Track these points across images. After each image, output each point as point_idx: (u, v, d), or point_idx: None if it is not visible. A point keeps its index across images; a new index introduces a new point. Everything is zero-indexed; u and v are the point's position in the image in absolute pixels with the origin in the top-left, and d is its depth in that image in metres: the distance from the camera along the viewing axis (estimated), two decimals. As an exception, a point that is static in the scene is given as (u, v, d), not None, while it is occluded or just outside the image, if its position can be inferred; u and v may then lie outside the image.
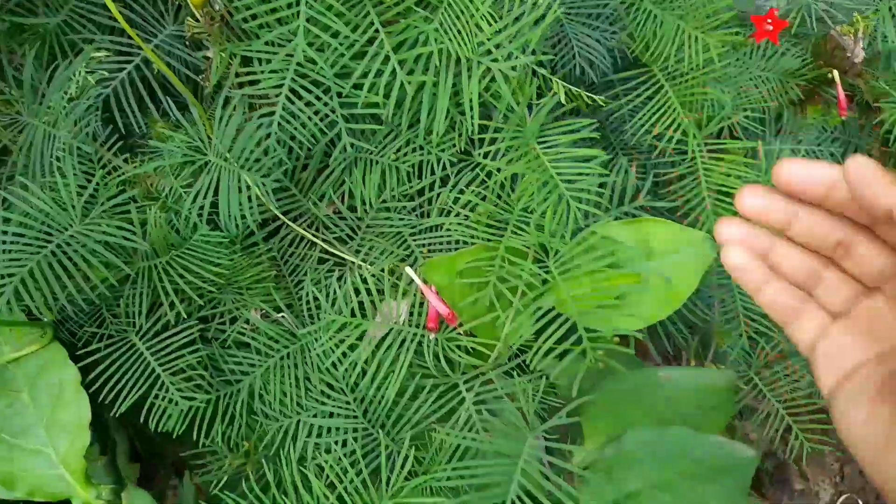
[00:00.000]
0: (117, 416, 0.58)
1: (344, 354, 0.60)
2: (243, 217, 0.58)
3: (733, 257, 0.42)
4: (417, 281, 0.58)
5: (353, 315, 0.59)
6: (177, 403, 0.59)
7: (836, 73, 0.85)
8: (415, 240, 0.64)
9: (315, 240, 0.64)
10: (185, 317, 0.60)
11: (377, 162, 0.63)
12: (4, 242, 0.54)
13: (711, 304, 0.89)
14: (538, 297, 0.62)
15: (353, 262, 0.63)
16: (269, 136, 0.58)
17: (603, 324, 0.66)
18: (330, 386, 0.62)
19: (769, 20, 0.77)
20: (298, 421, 0.61)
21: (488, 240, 0.62)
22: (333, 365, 0.60)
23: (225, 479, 0.63)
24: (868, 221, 0.41)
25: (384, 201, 0.65)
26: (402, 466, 0.56)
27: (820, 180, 0.41)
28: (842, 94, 0.85)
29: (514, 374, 0.63)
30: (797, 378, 0.91)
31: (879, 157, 1.01)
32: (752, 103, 0.86)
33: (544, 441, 0.61)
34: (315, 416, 0.61)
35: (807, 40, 0.95)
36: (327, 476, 0.57)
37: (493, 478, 0.54)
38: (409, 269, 0.58)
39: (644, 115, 0.73)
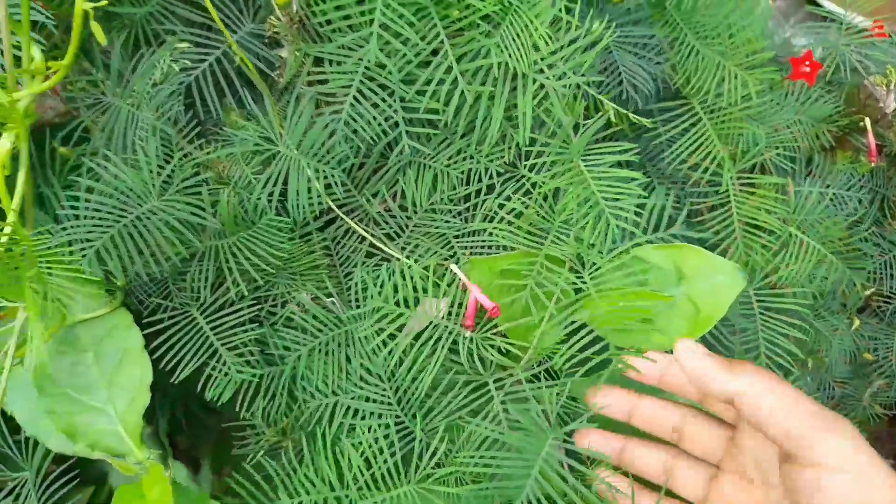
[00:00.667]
0: (175, 382, 0.62)
1: (384, 343, 0.64)
2: (310, 204, 0.63)
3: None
4: (461, 275, 0.62)
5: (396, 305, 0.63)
6: (230, 377, 0.63)
7: (867, 120, 0.89)
8: (458, 242, 0.68)
9: (365, 234, 0.68)
10: (245, 295, 0.64)
11: (430, 166, 0.68)
12: (88, 209, 0.58)
13: (734, 331, 0.92)
14: (573, 307, 0.66)
15: (399, 259, 0.67)
16: (334, 132, 0.63)
17: (631, 341, 0.69)
18: (368, 372, 0.66)
19: (806, 62, 0.82)
20: (336, 402, 0.65)
21: (529, 246, 0.66)
22: (374, 351, 0.64)
23: (262, 451, 0.66)
24: (698, 398, 0.49)
25: (432, 204, 0.69)
26: (432, 455, 0.60)
27: (652, 367, 0.51)
28: (872, 141, 0.88)
29: (542, 377, 0.66)
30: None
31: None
32: (784, 142, 0.89)
33: (565, 445, 0.65)
34: (353, 398, 0.65)
35: (840, 88, 0.99)
36: (362, 454, 0.60)
37: (513, 470, 0.57)
38: (454, 266, 0.62)
39: (681, 145, 0.77)
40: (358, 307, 0.67)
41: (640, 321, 0.69)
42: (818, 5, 1.11)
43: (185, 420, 0.83)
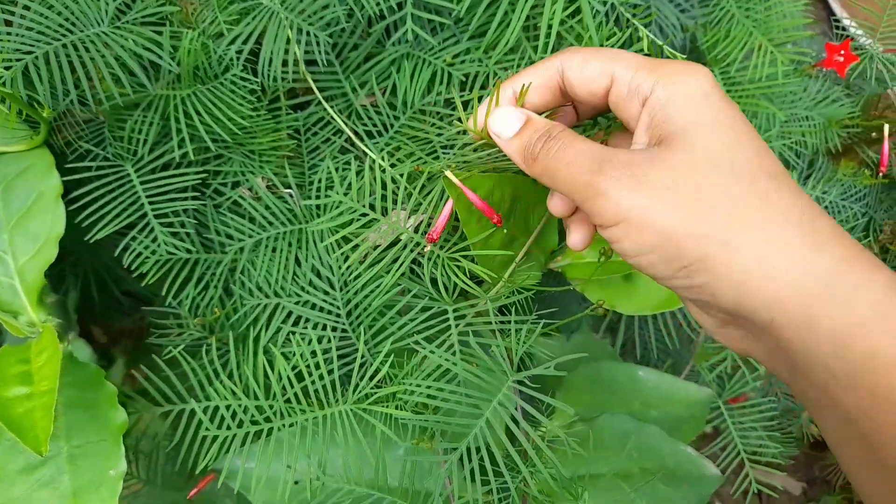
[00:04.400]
0: (92, 242, 0.53)
1: (338, 244, 0.56)
2: (284, 73, 0.54)
3: None
4: (455, 180, 0.54)
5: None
6: (159, 246, 0.54)
7: (887, 127, 0.84)
8: (445, 153, 0.60)
9: (344, 126, 0.60)
10: (191, 161, 0.55)
11: (430, 62, 0.59)
12: (25, 18, 0.49)
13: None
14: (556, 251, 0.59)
15: (375, 161, 0.59)
16: (331, -5, 0.54)
17: (606, 296, 0.63)
18: (318, 275, 0.58)
19: (842, 51, 0.76)
20: (277, 305, 0.57)
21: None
22: (327, 251, 0.56)
23: (182, 346, 0.58)
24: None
25: (425, 105, 0.61)
26: (374, 376, 0.52)
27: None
28: (887, 148, 0.83)
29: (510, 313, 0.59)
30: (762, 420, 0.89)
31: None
32: (793, 135, 0.84)
33: (519, 392, 0.58)
34: (296, 303, 0.57)
35: (860, 94, 0.94)
36: (295, 367, 0.53)
37: (462, 408, 0.50)
38: (449, 172, 0.54)
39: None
40: (319, 208, 0.59)
41: (622, 277, 0.63)
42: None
43: (99, 300, 0.74)
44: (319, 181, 0.59)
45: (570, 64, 0.44)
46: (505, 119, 0.46)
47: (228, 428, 0.52)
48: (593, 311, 0.60)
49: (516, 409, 0.68)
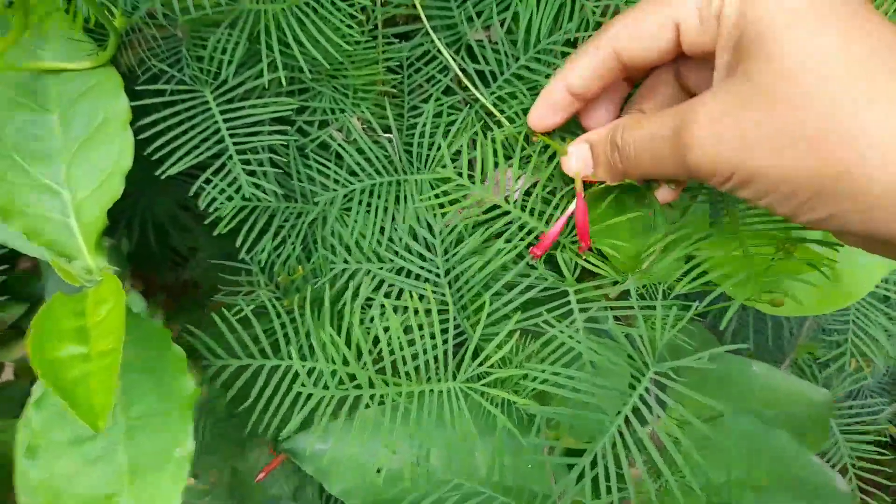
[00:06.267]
0: (163, 178, 0.45)
1: (441, 206, 0.48)
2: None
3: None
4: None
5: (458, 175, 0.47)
6: (237, 191, 0.47)
7: None
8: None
9: (452, 63, 0.51)
10: (282, 89, 0.47)
11: (562, -8, 0.50)
12: None
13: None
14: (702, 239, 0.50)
15: (490, 111, 0.51)
16: None
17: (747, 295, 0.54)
18: (414, 237, 0.49)
19: None
20: (369, 271, 0.49)
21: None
22: (431, 212, 0.48)
23: (252, 307, 0.50)
24: None
25: (552, 44, 0.52)
26: (483, 359, 0.44)
27: None
28: None
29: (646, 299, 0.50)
30: (870, 420, 0.80)
31: None
32: None
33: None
34: (391, 270, 0.49)
35: None
36: (388, 341, 0.45)
37: (595, 399, 0.42)
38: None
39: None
40: (420, 157, 0.51)
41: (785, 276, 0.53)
42: None
43: (157, 246, 0.66)
44: (424, 125, 0.50)
45: (622, 33, 0.40)
46: (574, 157, 0.45)
47: (318, 390, 0.44)
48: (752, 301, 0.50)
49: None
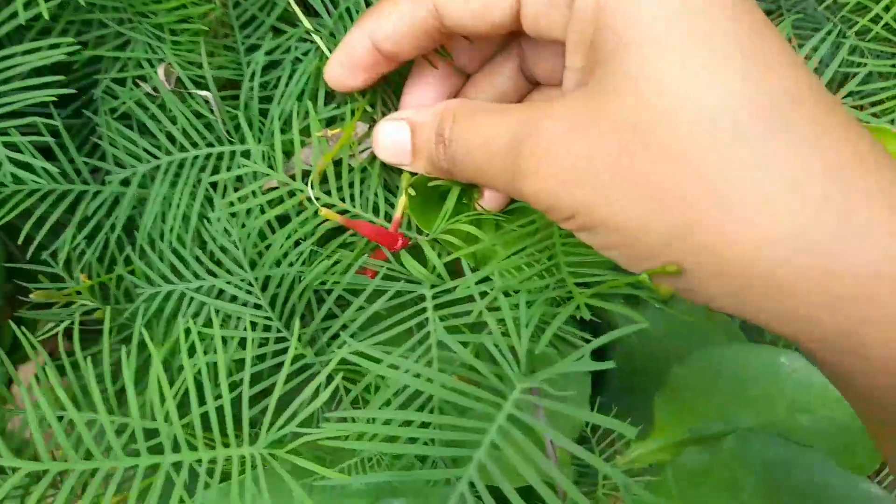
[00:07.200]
0: None
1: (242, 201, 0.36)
2: None
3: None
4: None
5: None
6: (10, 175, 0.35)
7: None
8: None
9: (286, -12, 0.38)
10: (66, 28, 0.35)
11: None
12: None
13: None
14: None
15: (321, 45, 0.38)
16: None
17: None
18: (223, 250, 0.37)
19: None
20: (183, 293, 0.37)
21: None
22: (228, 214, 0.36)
23: (65, 323, 0.39)
24: None
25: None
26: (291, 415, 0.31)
27: None
28: None
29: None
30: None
31: None
32: None
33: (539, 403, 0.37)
34: (198, 289, 0.37)
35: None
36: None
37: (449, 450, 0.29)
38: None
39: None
40: (262, 118, 0.38)
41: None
42: None
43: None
44: (252, 76, 0.38)
45: None
46: (389, 138, 0.33)
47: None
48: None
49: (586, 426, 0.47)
